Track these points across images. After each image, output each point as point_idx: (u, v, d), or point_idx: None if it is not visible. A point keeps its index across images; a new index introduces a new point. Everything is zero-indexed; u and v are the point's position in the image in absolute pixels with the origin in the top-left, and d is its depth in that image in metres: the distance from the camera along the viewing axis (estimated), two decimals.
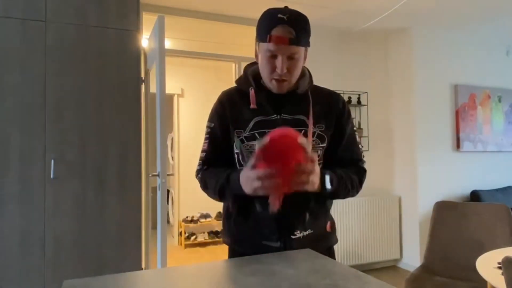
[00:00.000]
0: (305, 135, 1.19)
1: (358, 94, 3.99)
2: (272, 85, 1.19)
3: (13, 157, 2.35)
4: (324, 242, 1.25)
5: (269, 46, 1.12)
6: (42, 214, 2.39)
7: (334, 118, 1.26)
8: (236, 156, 1.22)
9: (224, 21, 3.48)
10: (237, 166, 1.22)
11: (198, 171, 1.30)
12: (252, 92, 1.22)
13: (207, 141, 1.28)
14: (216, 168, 1.24)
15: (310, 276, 0.84)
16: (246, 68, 1.32)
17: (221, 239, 5.08)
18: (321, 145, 1.22)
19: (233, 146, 1.23)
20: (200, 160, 1.29)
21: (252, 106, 1.21)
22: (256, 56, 1.23)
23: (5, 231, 2.32)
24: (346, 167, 1.26)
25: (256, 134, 1.19)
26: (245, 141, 1.20)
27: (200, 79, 5.35)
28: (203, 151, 1.29)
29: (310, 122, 1.21)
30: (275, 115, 1.20)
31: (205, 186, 1.26)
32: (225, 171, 1.18)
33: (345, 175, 1.21)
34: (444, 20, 3.66)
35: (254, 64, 1.30)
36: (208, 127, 1.29)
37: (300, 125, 1.20)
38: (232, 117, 1.23)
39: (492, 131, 4.17)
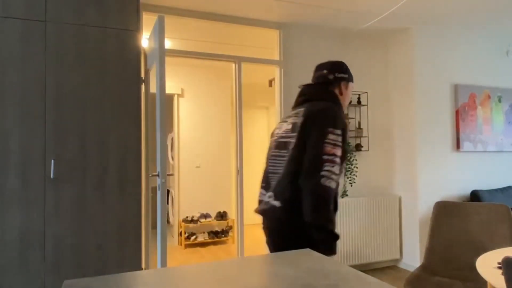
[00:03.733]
0: None
1: (358, 94, 3.99)
2: (345, 109, 1.67)
3: (13, 157, 2.35)
4: None
5: (354, 86, 1.70)
6: (42, 214, 2.39)
7: None
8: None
9: (224, 21, 3.48)
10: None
11: (331, 173, 1.37)
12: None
13: (339, 148, 1.41)
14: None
15: (310, 276, 0.84)
16: (321, 87, 1.70)
17: (221, 239, 5.09)
18: None
19: None
20: (334, 164, 1.38)
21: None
22: (341, 92, 1.70)
23: (5, 231, 2.32)
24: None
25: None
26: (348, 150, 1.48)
27: (200, 79, 5.35)
28: (337, 156, 1.40)
29: None
30: None
31: (329, 201, 1.36)
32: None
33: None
34: (444, 20, 3.66)
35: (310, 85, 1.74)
36: (339, 135, 1.43)
37: None
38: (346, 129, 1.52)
39: (492, 131, 4.17)
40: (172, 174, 3.32)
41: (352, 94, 4.00)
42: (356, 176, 3.92)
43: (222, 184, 5.39)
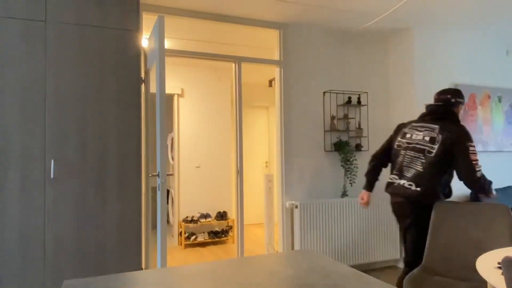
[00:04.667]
0: None
1: (358, 94, 3.99)
2: None
3: (13, 157, 2.35)
4: None
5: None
6: (42, 214, 2.39)
7: None
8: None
9: (224, 21, 3.48)
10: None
11: (480, 170, 2.23)
12: None
13: (476, 154, 2.22)
14: None
15: (310, 276, 0.84)
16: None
17: (221, 239, 5.09)
18: None
19: None
20: (478, 165, 2.21)
21: None
22: (458, 112, 2.44)
23: (5, 231, 2.32)
24: None
25: None
26: None
27: (200, 79, 5.36)
28: (478, 160, 2.21)
29: None
30: None
31: (486, 180, 2.27)
32: None
33: None
34: (444, 20, 3.66)
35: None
36: (474, 146, 2.22)
37: None
38: None
39: (492, 131, 4.17)
40: (172, 174, 3.32)
41: (352, 94, 4.01)
42: (356, 176, 3.92)
43: (222, 184, 5.39)
